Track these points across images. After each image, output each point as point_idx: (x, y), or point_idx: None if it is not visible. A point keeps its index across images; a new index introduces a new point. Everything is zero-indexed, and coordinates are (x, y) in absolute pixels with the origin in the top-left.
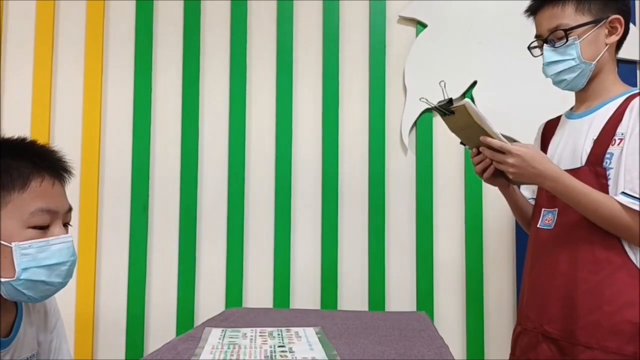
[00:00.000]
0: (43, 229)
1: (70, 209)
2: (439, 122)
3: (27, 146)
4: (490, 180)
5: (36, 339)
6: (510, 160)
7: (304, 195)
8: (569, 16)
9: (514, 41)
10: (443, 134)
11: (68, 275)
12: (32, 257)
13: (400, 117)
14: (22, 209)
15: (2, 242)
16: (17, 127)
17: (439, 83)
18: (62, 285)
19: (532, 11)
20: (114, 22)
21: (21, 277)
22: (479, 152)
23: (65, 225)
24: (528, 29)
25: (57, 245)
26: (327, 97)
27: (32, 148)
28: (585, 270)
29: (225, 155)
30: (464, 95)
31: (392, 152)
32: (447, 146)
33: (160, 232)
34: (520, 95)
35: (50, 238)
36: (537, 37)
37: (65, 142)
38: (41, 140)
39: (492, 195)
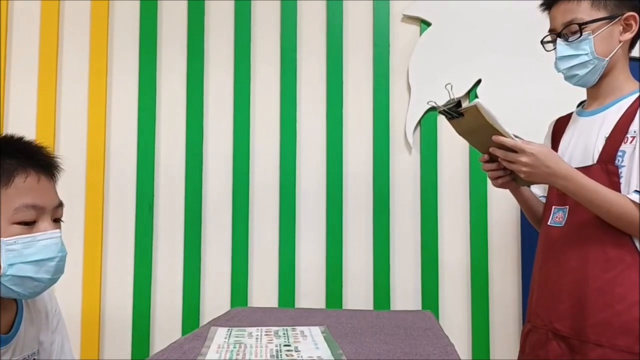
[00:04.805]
0: (29, 224)
1: (60, 205)
2: (443, 121)
3: (12, 143)
4: (501, 185)
5: (37, 338)
6: (524, 159)
7: (308, 194)
8: (584, 11)
9: (518, 39)
10: (448, 133)
11: (57, 271)
12: (17, 253)
13: (405, 115)
14: (6, 205)
15: None
16: (23, 127)
17: (445, 86)
18: (52, 281)
19: (548, 5)
20: (119, 23)
21: (7, 273)
22: (488, 159)
23: (57, 220)
24: (532, 27)
25: (44, 241)
26: (331, 96)
27: (17, 145)
28: (596, 268)
29: (230, 154)
30: (468, 94)
31: (396, 150)
32: (452, 145)
33: (166, 232)
34: (525, 94)
35: (37, 234)
36: (551, 31)
37: (71, 142)
38: (47, 141)
39: (497, 194)
